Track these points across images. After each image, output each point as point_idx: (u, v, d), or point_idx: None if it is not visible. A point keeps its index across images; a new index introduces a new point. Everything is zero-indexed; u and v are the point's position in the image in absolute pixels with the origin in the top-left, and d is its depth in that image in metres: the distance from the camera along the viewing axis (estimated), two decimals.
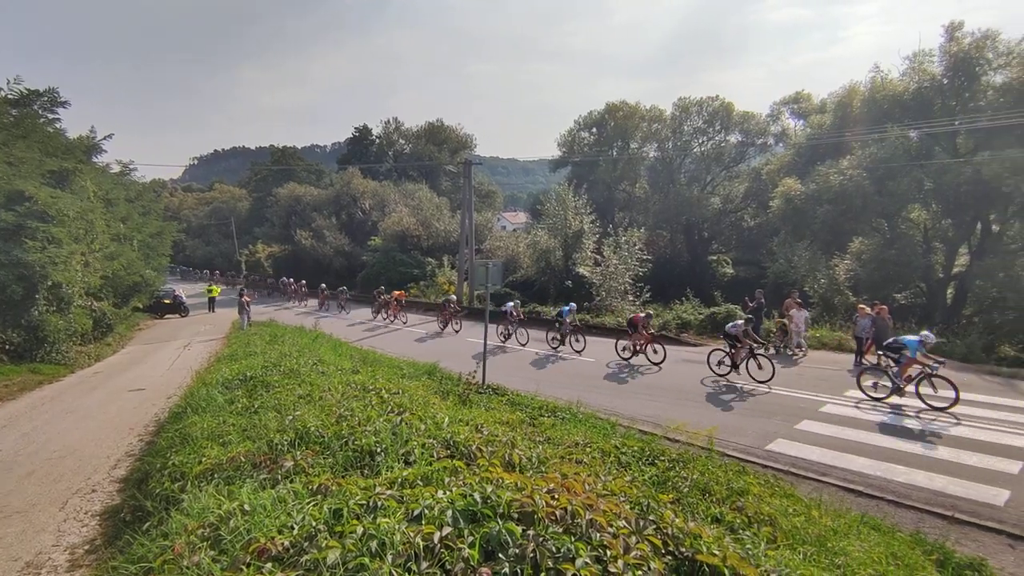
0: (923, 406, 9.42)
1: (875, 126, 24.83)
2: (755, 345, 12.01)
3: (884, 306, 13.46)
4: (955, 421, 8.77)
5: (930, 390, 9.50)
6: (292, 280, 36.43)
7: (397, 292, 25.33)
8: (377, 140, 61.58)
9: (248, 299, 22.05)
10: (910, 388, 9.77)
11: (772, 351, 14.61)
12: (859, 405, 9.78)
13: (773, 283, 25.35)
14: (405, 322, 23.63)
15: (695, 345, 16.56)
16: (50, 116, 19.49)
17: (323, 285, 32.67)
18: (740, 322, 12.32)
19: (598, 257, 26.45)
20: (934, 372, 9.43)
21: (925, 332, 10.08)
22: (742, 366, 11.95)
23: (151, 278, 26.94)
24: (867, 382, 10.26)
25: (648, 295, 23.82)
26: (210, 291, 32.73)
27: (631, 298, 24.00)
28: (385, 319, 24.69)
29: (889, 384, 10.00)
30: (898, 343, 10.10)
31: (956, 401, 9.11)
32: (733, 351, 12.03)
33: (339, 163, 61.66)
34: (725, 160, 42.10)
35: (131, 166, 28.60)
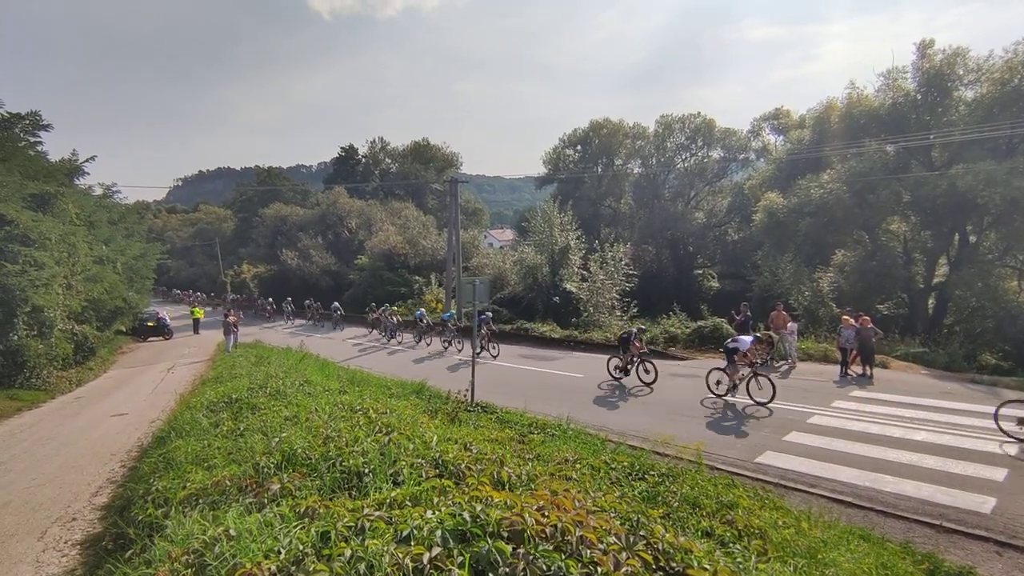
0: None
1: (853, 140, 25.39)
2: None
3: (867, 317, 13.64)
4: (941, 431, 8.86)
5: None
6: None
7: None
8: (363, 159, 61.68)
9: (235, 320, 21.79)
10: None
11: (759, 363, 14.74)
12: (847, 416, 9.85)
13: (758, 296, 25.62)
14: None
15: (683, 359, 16.64)
16: (32, 139, 19.36)
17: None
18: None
19: (585, 273, 26.58)
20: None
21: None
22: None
23: (134, 300, 26.60)
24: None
25: (635, 310, 23.94)
26: (193, 313, 32.44)
27: (619, 313, 24.09)
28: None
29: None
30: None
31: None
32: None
33: (325, 183, 61.57)
34: (708, 175, 42.73)
35: (114, 188, 28.46)
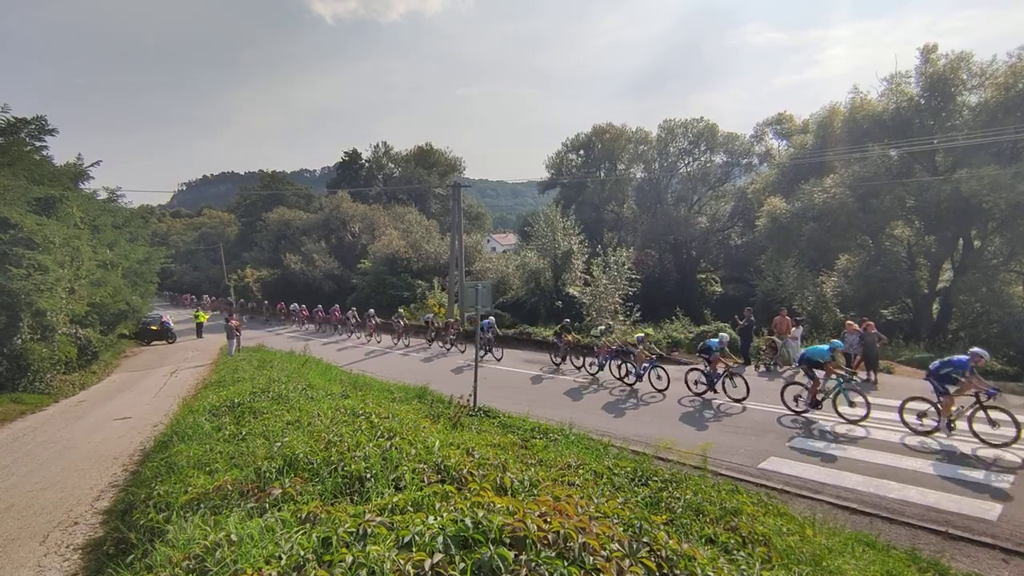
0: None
1: (856, 145, 25.35)
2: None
3: (871, 322, 13.59)
4: (946, 436, 8.79)
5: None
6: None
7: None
8: (367, 164, 61.82)
9: (237, 324, 21.83)
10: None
11: (763, 368, 14.71)
12: (850, 422, 9.79)
13: (762, 301, 25.52)
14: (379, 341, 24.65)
15: (686, 363, 16.57)
16: (37, 144, 19.42)
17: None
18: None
19: (588, 277, 26.56)
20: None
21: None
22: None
23: (138, 304, 26.63)
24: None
25: (638, 314, 23.89)
26: (197, 317, 32.44)
27: (621, 318, 24.04)
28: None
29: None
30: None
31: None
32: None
33: (329, 187, 61.60)
34: (711, 180, 42.67)
35: (118, 192, 28.40)
